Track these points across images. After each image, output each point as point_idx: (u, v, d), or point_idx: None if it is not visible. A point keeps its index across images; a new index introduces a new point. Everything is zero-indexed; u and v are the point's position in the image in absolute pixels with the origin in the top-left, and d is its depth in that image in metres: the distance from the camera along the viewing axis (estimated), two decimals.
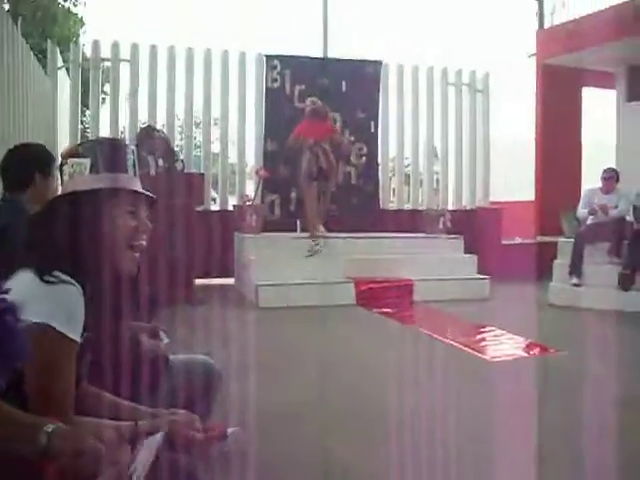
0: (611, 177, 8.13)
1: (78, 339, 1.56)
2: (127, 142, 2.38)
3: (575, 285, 7.71)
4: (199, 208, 8.00)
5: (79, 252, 1.63)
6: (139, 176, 1.79)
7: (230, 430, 1.80)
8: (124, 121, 9.04)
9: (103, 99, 11.70)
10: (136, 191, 1.74)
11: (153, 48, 8.82)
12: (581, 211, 8.18)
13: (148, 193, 1.78)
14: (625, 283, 7.44)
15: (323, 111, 8.27)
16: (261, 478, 2.75)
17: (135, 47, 8.80)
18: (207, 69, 9.04)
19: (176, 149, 8.84)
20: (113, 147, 1.78)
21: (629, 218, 7.91)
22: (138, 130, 8.42)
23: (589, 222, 7.99)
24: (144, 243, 1.76)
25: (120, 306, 1.74)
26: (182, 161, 8.08)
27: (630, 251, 7.58)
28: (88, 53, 9.11)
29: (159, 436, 1.60)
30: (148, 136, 7.78)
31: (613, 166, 8.68)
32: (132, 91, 8.83)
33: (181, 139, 10.17)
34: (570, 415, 3.78)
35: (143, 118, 9.00)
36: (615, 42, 9.66)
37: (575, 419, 3.64)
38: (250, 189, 9.45)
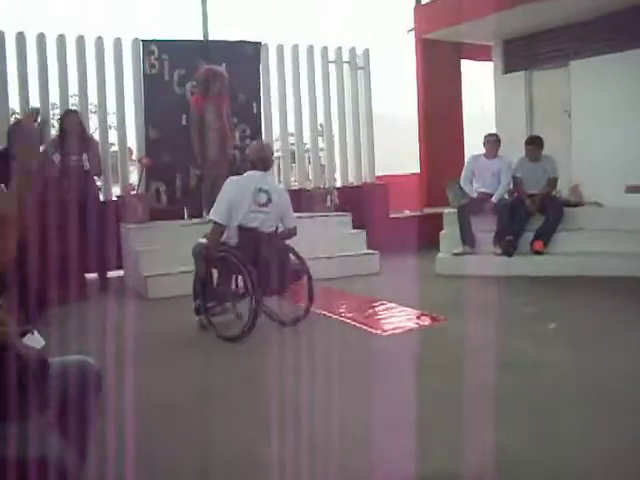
0: (494, 141, 8.33)
1: None
2: None
3: (458, 254, 7.91)
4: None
5: None
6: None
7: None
8: None
9: None
10: None
11: (20, 35, 8.39)
12: (464, 182, 8.36)
13: None
14: (508, 250, 7.71)
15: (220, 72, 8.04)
16: None
17: (0, 35, 8.35)
18: (81, 56, 8.66)
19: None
20: None
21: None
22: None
23: (473, 196, 8.19)
24: None
25: None
26: (59, 153, 7.65)
27: (510, 218, 7.85)
28: None
29: None
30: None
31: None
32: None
33: None
34: (460, 381, 3.89)
35: (16, 108, 8.61)
36: (491, 16, 9.88)
37: (464, 384, 3.75)
38: (134, 178, 9.19)
